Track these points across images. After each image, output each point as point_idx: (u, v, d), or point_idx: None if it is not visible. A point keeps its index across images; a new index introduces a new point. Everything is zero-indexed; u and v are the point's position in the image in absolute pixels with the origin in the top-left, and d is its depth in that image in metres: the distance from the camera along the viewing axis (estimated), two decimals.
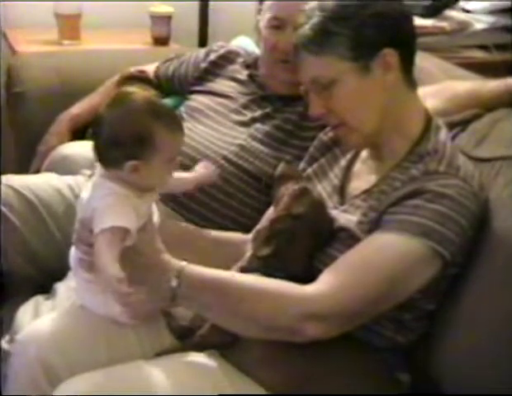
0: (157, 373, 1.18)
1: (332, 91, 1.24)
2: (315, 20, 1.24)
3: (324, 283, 1.16)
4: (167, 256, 1.20)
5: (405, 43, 1.27)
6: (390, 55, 1.23)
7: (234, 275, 1.21)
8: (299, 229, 1.23)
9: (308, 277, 1.18)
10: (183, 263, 1.19)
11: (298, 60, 1.28)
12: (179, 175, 1.32)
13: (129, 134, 1.15)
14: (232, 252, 1.37)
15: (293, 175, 1.30)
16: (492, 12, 2.41)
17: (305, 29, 1.25)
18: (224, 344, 1.23)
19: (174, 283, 1.16)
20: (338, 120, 1.27)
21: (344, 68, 1.23)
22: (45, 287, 1.46)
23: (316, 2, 1.27)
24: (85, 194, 1.22)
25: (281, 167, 1.36)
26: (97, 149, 1.20)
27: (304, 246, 1.24)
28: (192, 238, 1.40)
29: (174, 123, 1.21)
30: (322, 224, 1.25)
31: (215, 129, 1.65)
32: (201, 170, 1.39)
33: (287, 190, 1.27)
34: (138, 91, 1.22)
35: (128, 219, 1.14)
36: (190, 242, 1.39)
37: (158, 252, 1.20)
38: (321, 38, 1.23)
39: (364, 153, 1.36)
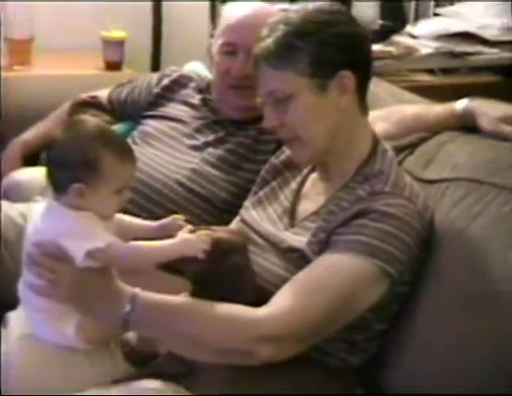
0: None
1: (288, 105, 1.26)
2: (277, 33, 1.26)
3: (276, 305, 1.17)
4: (120, 283, 1.20)
5: (363, 67, 1.30)
6: (347, 78, 1.26)
7: (186, 300, 1.21)
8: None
9: (259, 300, 1.19)
10: (136, 289, 1.19)
11: (257, 72, 1.29)
12: (139, 222, 1.30)
13: (75, 156, 1.18)
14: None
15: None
16: (437, 38, 2.49)
17: (268, 42, 1.26)
18: (179, 373, 1.23)
19: (127, 308, 1.16)
20: (292, 134, 1.29)
21: (301, 84, 1.25)
22: None
23: (280, 16, 1.29)
24: (36, 217, 1.21)
25: None
26: (47, 172, 1.22)
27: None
28: None
29: (125, 154, 1.22)
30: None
31: (168, 154, 1.66)
32: (169, 224, 1.27)
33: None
34: (91, 119, 1.23)
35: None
36: None
37: (111, 279, 1.20)
38: (282, 52, 1.25)
39: (314, 175, 1.38)
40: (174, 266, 1.25)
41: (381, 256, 1.18)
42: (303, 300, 1.17)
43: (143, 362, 1.27)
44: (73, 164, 1.17)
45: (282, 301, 1.17)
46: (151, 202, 1.58)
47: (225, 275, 1.22)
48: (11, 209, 1.60)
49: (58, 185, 1.20)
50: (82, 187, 1.17)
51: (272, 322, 1.15)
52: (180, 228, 1.25)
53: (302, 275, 1.20)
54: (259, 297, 1.20)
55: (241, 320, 1.16)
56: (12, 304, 1.40)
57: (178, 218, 1.28)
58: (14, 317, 1.39)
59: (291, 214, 1.35)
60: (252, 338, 1.14)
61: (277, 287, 1.20)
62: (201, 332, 1.17)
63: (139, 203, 1.56)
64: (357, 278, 1.18)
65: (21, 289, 1.25)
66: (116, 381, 1.23)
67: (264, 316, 1.16)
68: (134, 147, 1.69)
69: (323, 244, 1.23)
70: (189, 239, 1.18)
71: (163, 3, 2.58)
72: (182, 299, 1.22)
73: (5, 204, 1.64)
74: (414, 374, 1.25)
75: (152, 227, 1.29)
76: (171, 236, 1.21)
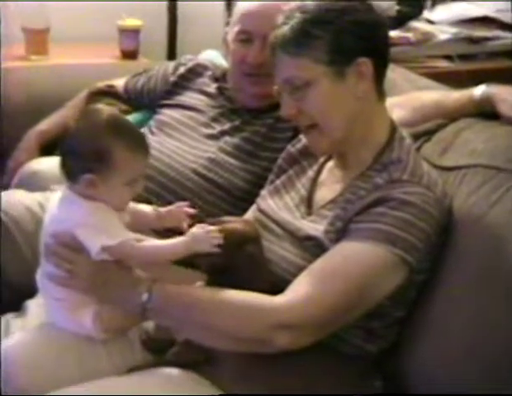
0: (129, 388, 1.18)
1: (305, 92, 1.25)
2: (294, 21, 1.25)
3: (293, 293, 1.17)
4: (137, 272, 1.21)
5: (380, 53, 1.29)
6: (365, 64, 1.25)
7: (203, 289, 1.22)
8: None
9: (274, 289, 1.19)
10: (154, 279, 1.20)
11: (274, 60, 1.29)
12: (145, 210, 1.30)
13: (86, 146, 1.17)
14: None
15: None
16: (455, 23, 2.46)
17: (284, 29, 1.26)
18: (197, 362, 1.23)
19: (145, 298, 1.17)
20: (309, 122, 1.28)
21: (319, 71, 1.24)
22: (15, 305, 1.45)
23: (296, 4, 1.28)
24: (53, 207, 1.22)
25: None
26: (61, 161, 1.22)
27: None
28: None
29: (137, 144, 1.21)
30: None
31: (185, 143, 1.66)
32: (172, 211, 1.28)
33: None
34: (105, 108, 1.23)
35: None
36: None
37: (128, 269, 1.21)
38: (299, 39, 1.24)
39: (330, 163, 1.38)
40: (188, 260, 1.25)
41: (400, 244, 1.18)
42: (321, 288, 1.16)
43: (161, 350, 1.28)
44: (85, 154, 1.17)
45: (299, 289, 1.17)
46: (168, 191, 1.58)
47: (239, 265, 1.22)
48: (29, 198, 1.62)
49: (70, 174, 1.20)
50: (93, 178, 1.17)
51: (289, 310, 1.15)
52: (184, 214, 1.26)
53: (320, 264, 1.20)
54: (274, 286, 1.20)
55: (258, 308, 1.17)
56: (31, 292, 1.42)
57: (182, 204, 1.29)
58: (33, 306, 1.41)
59: (308, 203, 1.34)
60: (269, 326, 1.14)
61: (294, 275, 1.20)
62: (218, 320, 1.17)
63: (156, 192, 1.57)
64: (375, 266, 1.18)
65: (40, 279, 1.26)
66: (133, 369, 1.24)
67: (281, 304, 1.16)
68: (150, 136, 1.72)
69: (340, 233, 1.22)
70: (200, 235, 1.17)
71: None
72: (198, 287, 1.22)
73: (23, 193, 1.66)
74: (434, 361, 1.24)
75: (158, 214, 1.29)
76: (180, 232, 1.21)
